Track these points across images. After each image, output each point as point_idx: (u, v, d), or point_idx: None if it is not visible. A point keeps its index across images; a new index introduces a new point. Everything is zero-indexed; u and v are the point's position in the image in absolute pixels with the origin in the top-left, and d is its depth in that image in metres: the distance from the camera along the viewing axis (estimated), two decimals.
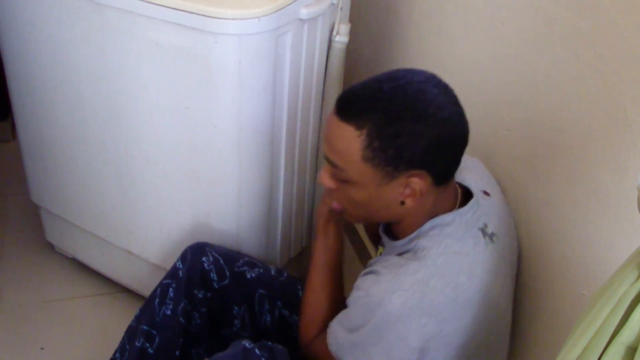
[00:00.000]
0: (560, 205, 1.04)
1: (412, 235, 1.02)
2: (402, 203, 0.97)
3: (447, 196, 1.02)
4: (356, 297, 1.00)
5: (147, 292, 1.61)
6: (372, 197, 0.98)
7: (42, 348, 1.61)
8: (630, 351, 0.61)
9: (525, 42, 1.08)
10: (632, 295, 0.61)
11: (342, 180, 0.99)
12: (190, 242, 1.36)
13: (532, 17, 1.06)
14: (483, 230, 1.02)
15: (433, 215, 1.01)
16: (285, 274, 1.34)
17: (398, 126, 0.91)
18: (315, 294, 1.18)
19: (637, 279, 0.61)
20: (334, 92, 1.42)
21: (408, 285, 0.95)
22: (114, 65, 1.33)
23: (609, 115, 0.91)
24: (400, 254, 1.03)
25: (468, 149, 1.02)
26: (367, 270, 1.04)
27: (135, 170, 1.46)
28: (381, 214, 1.03)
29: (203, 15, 1.16)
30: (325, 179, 1.03)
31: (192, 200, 1.43)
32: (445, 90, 0.95)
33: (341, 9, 1.37)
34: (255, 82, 1.25)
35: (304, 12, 1.25)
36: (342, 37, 1.39)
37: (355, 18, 1.83)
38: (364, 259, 1.90)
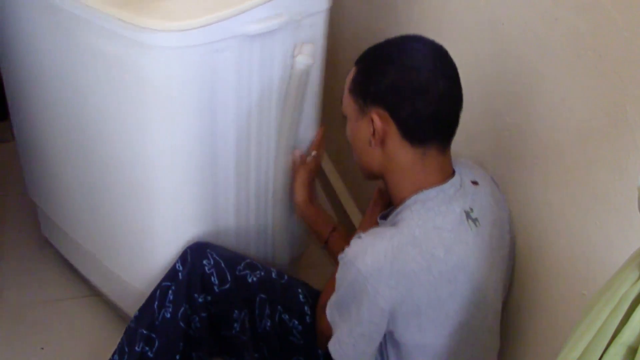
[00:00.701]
0: (560, 205, 1.04)
1: (398, 210, 1.06)
2: (370, 144, 1.06)
3: (433, 170, 1.06)
4: (339, 257, 1.04)
5: (130, 311, 1.58)
6: (354, 133, 1.11)
7: (42, 348, 1.61)
8: (631, 351, 0.61)
9: (525, 42, 1.08)
10: (632, 295, 0.61)
11: (345, 118, 1.13)
12: (133, 257, 1.36)
13: (532, 17, 1.06)
14: (467, 213, 1.04)
15: (419, 188, 1.05)
16: (286, 277, 1.33)
17: (374, 65, 1.06)
18: None
19: (638, 279, 0.61)
20: (292, 118, 1.34)
21: (381, 249, 0.98)
22: (69, 69, 1.30)
23: (609, 115, 0.91)
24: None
25: (469, 150, 1.02)
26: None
27: (97, 180, 1.43)
28: (363, 158, 1.11)
29: (132, 24, 1.11)
30: (347, 129, 1.15)
31: (133, 216, 1.38)
32: (434, 51, 1.06)
33: (310, 26, 1.28)
34: (188, 99, 1.18)
35: (250, 28, 1.17)
36: (303, 58, 1.27)
37: (355, 17, 1.83)
38: None
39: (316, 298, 1.32)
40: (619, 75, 0.88)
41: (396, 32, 1.58)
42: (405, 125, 1.03)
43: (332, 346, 1.05)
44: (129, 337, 1.32)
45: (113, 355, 1.34)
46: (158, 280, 1.32)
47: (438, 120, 1.04)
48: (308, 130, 1.45)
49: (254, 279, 1.29)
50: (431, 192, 1.04)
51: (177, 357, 1.29)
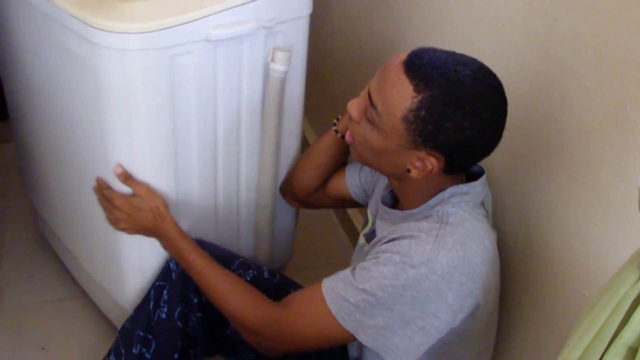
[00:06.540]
0: (560, 205, 1.04)
1: (431, 202, 1.03)
2: (408, 171, 1.00)
3: (451, 179, 1.05)
4: (387, 258, 0.99)
5: (112, 317, 1.59)
6: (386, 150, 1.00)
7: (43, 348, 1.61)
8: (631, 352, 0.61)
9: (526, 42, 1.08)
10: (632, 296, 0.61)
11: (370, 120, 1.00)
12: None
13: (532, 17, 1.06)
14: (483, 206, 1.06)
15: (438, 191, 1.03)
16: (278, 276, 1.32)
17: (451, 111, 0.93)
18: (228, 276, 1.18)
19: (638, 279, 0.61)
20: (271, 124, 1.32)
21: (450, 246, 0.97)
22: (43, 68, 1.29)
23: (609, 115, 0.91)
24: (418, 219, 1.04)
25: None
26: (395, 236, 1.02)
27: (71, 182, 1.41)
28: (382, 167, 1.07)
29: (88, 25, 1.09)
30: (355, 109, 1.04)
31: (101, 220, 1.32)
32: (502, 103, 0.98)
33: (284, 34, 1.25)
34: (146, 102, 1.16)
35: (213, 33, 1.14)
36: (277, 66, 1.24)
37: (356, 17, 1.83)
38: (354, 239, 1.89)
39: None
40: (619, 75, 0.88)
41: (396, 34, 1.59)
42: (453, 167, 1.01)
43: (374, 339, 1.00)
44: (125, 338, 1.30)
45: (109, 356, 1.32)
46: (128, 287, 1.32)
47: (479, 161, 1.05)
48: (290, 138, 1.42)
49: (247, 278, 1.28)
50: (464, 188, 1.03)
51: (176, 356, 1.29)
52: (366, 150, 1.04)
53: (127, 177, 1.23)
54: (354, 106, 1.04)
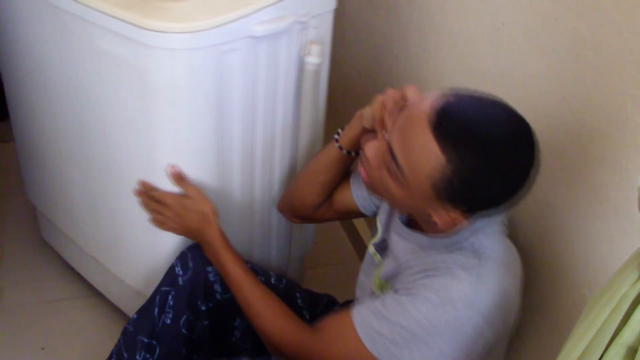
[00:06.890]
0: (560, 205, 1.04)
1: (464, 233, 0.99)
2: (429, 216, 0.96)
3: None
4: (426, 298, 0.95)
5: (129, 312, 1.58)
6: (408, 200, 0.96)
7: (43, 348, 1.61)
8: (631, 352, 0.61)
9: (526, 42, 1.08)
10: (632, 295, 0.61)
11: (392, 173, 0.94)
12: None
13: (532, 17, 1.06)
14: (503, 223, 1.04)
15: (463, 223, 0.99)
16: (284, 281, 1.31)
17: (484, 178, 0.88)
18: (265, 293, 1.15)
19: (638, 279, 0.61)
20: (309, 116, 1.36)
21: (492, 286, 0.94)
22: (71, 70, 1.29)
23: (609, 115, 0.91)
24: (451, 250, 1.00)
25: None
26: (429, 269, 0.98)
27: (99, 182, 1.41)
28: (401, 210, 1.05)
29: (135, 26, 1.10)
30: (373, 154, 0.98)
31: (136, 219, 1.33)
32: (534, 158, 0.91)
33: (316, 28, 1.29)
34: (193, 100, 1.17)
35: (257, 30, 1.16)
36: (312, 59, 1.28)
37: (355, 17, 1.83)
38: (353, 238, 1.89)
39: (313, 302, 1.30)
40: (619, 75, 0.88)
41: (397, 34, 1.59)
42: (478, 215, 0.96)
43: None
44: (128, 342, 1.28)
45: (111, 359, 1.31)
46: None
47: None
48: (309, 129, 1.44)
49: None
50: (490, 210, 0.97)
51: None
52: (385, 193, 1.00)
53: (179, 178, 1.22)
54: (372, 151, 0.98)
